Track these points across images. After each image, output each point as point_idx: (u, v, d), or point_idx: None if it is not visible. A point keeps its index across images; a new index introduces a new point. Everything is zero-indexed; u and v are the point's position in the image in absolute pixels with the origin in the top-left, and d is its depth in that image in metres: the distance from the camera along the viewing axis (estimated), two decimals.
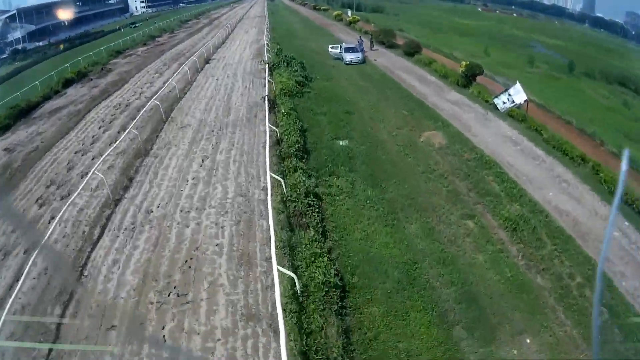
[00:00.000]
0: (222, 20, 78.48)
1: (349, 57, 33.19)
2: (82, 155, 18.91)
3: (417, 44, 35.19)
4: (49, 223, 13.23)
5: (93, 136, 21.21)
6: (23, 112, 26.37)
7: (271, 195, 12.91)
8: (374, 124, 20.52)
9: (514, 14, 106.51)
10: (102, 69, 38.93)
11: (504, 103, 22.64)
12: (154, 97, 24.21)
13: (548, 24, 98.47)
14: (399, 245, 11.96)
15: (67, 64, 38.16)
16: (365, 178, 15.51)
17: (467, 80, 27.05)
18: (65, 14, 76.39)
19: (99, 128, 22.41)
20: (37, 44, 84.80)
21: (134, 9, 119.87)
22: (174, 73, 31.74)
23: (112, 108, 25.72)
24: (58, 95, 30.96)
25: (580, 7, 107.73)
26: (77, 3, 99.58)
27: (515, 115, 21.63)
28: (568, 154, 17.32)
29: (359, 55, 33.53)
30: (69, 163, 18.23)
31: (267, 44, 38.85)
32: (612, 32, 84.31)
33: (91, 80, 35.37)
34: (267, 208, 12.27)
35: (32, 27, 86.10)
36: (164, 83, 29.29)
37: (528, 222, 12.84)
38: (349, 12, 58.69)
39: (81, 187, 14.26)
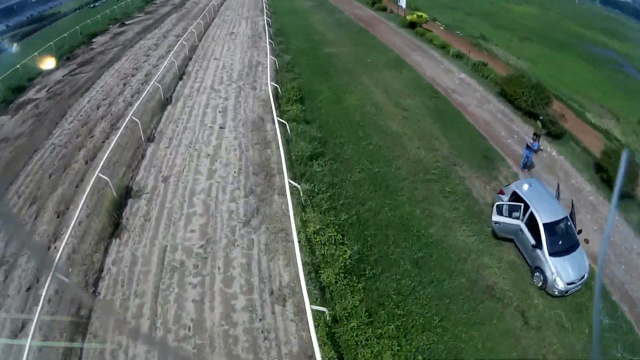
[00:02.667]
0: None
1: (565, 279, 9.44)
2: None
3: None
4: None
5: None
6: None
7: None
8: None
9: None
10: None
11: None
12: None
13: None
14: None
15: None
16: None
17: None
18: None
19: None
20: None
21: None
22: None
23: None
24: None
25: None
26: None
27: None
28: None
29: (585, 265, 9.83)
30: None
31: (276, 109, 15.87)
32: (623, 12, 73.29)
33: None
34: None
35: None
36: None
37: None
38: (402, 2, 33.87)
39: None
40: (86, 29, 38.13)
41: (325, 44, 26.87)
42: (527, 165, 14.12)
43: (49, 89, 25.70)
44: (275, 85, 18.78)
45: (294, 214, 10.07)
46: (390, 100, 18.15)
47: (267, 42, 25.42)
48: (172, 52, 26.22)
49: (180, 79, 22.51)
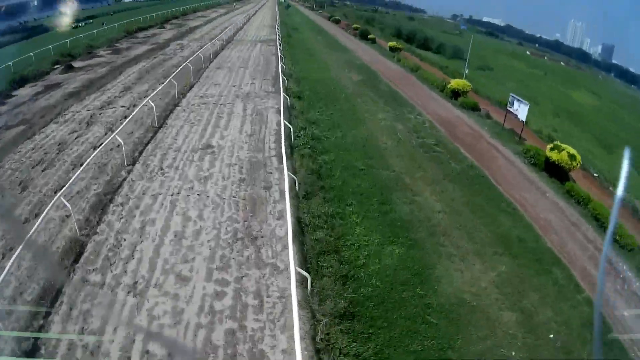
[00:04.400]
0: (199, 35, 36.64)
1: None
2: None
3: None
4: None
5: None
6: None
7: None
8: None
9: (562, 62, 79.96)
10: None
11: None
12: None
13: (598, 79, 74.59)
14: None
15: None
16: None
17: None
18: None
19: None
20: None
21: None
22: None
23: None
24: None
25: (600, 53, 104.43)
26: None
27: None
28: None
29: None
30: None
31: None
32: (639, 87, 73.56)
33: None
34: None
35: None
36: None
37: None
38: (522, 112, 19.00)
39: None
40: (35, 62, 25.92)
41: (428, 234, 10.19)
42: None
43: None
44: None
45: None
46: None
47: (289, 236, 8.23)
48: (54, 201, 10.37)
49: None
